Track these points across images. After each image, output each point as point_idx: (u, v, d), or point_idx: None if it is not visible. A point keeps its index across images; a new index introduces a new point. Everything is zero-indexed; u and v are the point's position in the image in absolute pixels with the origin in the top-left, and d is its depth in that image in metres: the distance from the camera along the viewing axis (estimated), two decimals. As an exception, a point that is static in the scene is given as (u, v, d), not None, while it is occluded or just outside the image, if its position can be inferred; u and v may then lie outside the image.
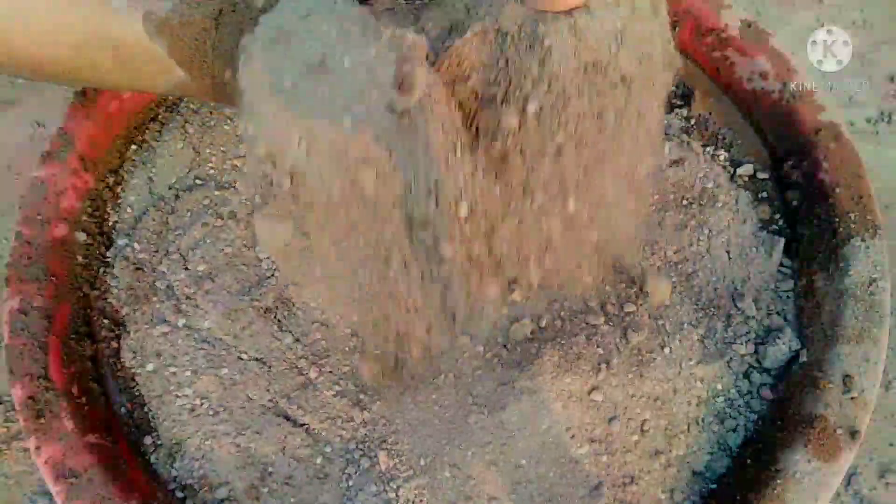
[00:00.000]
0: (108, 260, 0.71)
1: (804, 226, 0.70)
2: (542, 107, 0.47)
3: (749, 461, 0.61)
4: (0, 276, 0.66)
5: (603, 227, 0.56)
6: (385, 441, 0.62)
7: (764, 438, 0.62)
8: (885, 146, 1.00)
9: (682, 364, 0.65)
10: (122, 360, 0.66)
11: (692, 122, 0.78)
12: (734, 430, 0.64)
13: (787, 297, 0.69)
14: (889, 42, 1.10)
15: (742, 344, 0.66)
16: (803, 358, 0.64)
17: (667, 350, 0.65)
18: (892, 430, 0.78)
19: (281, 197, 0.49)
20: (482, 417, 0.62)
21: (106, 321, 0.68)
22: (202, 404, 0.63)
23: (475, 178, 0.50)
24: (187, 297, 0.67)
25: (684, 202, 0.73)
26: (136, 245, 0.70)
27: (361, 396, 0.64)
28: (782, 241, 0.70)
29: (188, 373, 0.64)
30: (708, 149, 0.76)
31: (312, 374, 0.65)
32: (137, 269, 0.69)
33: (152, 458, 0.63)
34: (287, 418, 0.63)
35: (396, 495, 0.59)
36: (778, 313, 0.68)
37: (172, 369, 0.65)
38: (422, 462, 0.61)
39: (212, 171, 0.75)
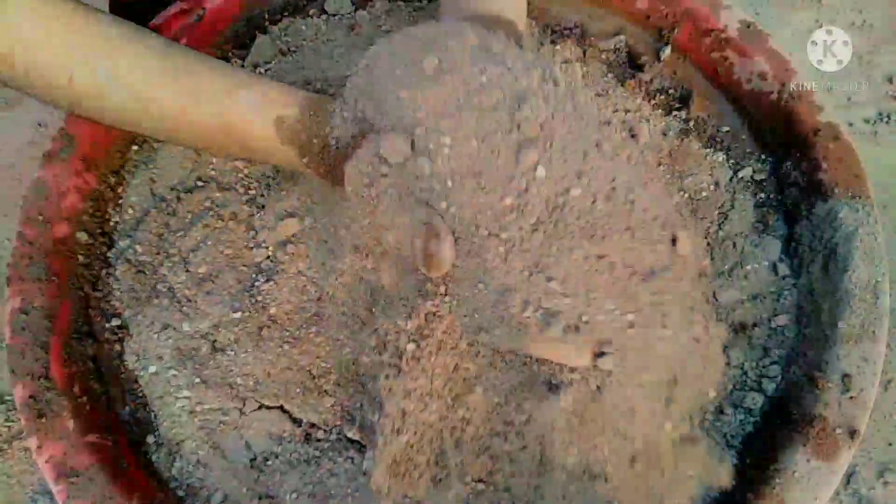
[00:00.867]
0: (110, 260, 0.71)
1: (803, 226, 0.71)
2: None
3: (749, 461, 0.61)
4: (1, 275, 0.67)
5: None
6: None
7: (763, 438, 0.62)
8: (883, 146, 1.00)
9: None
10: (125, 361, 0.66)
11: (691, 123, 0.78)
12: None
13: (787, 297, 0.69)
14: (888, 42, 1.10)
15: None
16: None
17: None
18: (890, 429, 0.78)
19: None
20: None
21: (107, 322, 0.68)
22: (202, 405, 0.64)
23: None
24: (188, 300, 0.68)
25: (683, 201, 0.73)
26: (137, 247, 0.70)
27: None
28: (780, 240, 0.70)
29: (188, 374, 0.65)
30: (707, 150, 0.76)
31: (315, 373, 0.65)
32: (139, 271, 0.70)
33: (153, 458, 0.63)
34: (290, 418, 0.63)
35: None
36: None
37: (173, 371, 0.65)
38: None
39: (213, 173, 0.75)
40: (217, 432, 0.63)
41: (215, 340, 0.66)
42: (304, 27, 0.83)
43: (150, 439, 0.63)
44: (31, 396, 0.59)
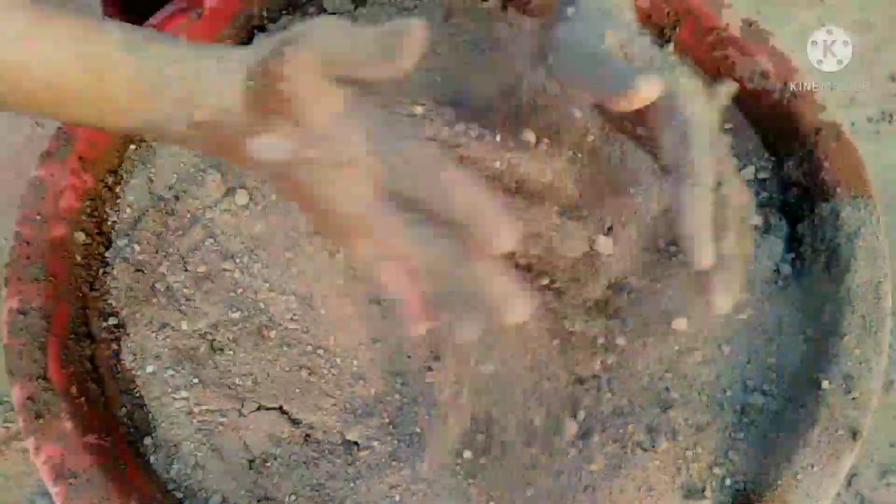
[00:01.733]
0: (108, 260, 0.71)
1: (805, 225, 0.70)
2: None
3: (750, 461, 0.61)
4: (-1, 276, 0.67)
5: None
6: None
7: (765, 439, 0.62)
8: (885, 146, 1.00)
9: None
10: (122, 361, 0.66)
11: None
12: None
13: (788, 297, 0.68)
14: (889, 42, 1.10)
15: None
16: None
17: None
18: (892, 430, 0.78)
19: None
20: None
21: (105, 322, 0.68)
22: (200, 406, 0.63)
23: None
24: (187, 299, 0.67)
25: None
26: (135, 246, 0.70)
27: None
28: (782, 241, 0.70)
29: (186, 374, 0.64)
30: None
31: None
32: (137, 270, 0.69)
33: (151, 459, 0.62)
34: (289, 419, 0.63)
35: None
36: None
37: (171, 372, 0.64)
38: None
39: (212, 171, 0.74)
40: (215, 433, 0.62)
41: (214, 340, 0.66)
42: (303, 26, 0.82)
43: (148, 440, 0.63)
44: (28, 397, 0.59)
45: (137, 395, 0.65)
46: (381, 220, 0.44)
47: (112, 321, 0.68)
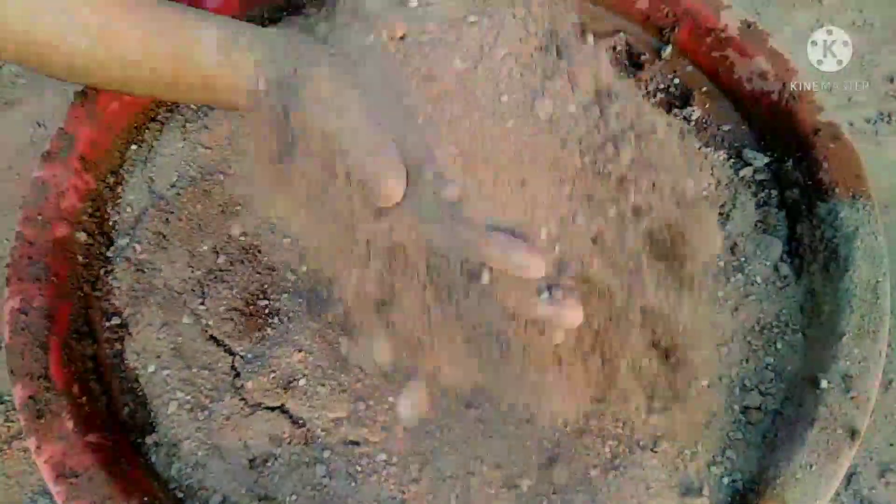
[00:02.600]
0: (109, 259, 0.71)
1: (804, 225, 0.70)
2: None
3: (749, 461, 0.61)
4: (0, 275, 0.67)
5: None
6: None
7: (764, 438, 0.62)
8: (884, 146, 1.00)
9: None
10: (125, 360, 0.66)
11: (691, 122, 0.78)
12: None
13: (787, 297, 0.69)
14: (889, 42, 1.10)
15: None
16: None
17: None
18: (891, 430, 0.78)
19: None
20: None
21: (107, 321, 0.68)
22: (199, 406, 0.63)
23: None
24: (188, 299, 0.67)
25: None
26: (136, 245, 0.70)
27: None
28: (781, 241, 0.70)
29: (186, 373, 0.64)
30: (707, 149, 0.76)
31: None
32: (138, 269, 0.70)
33: (153, 459, 0.63)
34: (290, 418, 0.63)
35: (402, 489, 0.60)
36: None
37: (172, 370, 0.65)
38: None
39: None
40: (216, 433, 0.62)
41: (214, 337, 0.66)
42: (303, 26, 0.83)
43: (150, 439, 0.63)
44: (30, 397, 0.59)
45: (139, 393, 0.65)
46: None
47: (115, 321, 0.68)
